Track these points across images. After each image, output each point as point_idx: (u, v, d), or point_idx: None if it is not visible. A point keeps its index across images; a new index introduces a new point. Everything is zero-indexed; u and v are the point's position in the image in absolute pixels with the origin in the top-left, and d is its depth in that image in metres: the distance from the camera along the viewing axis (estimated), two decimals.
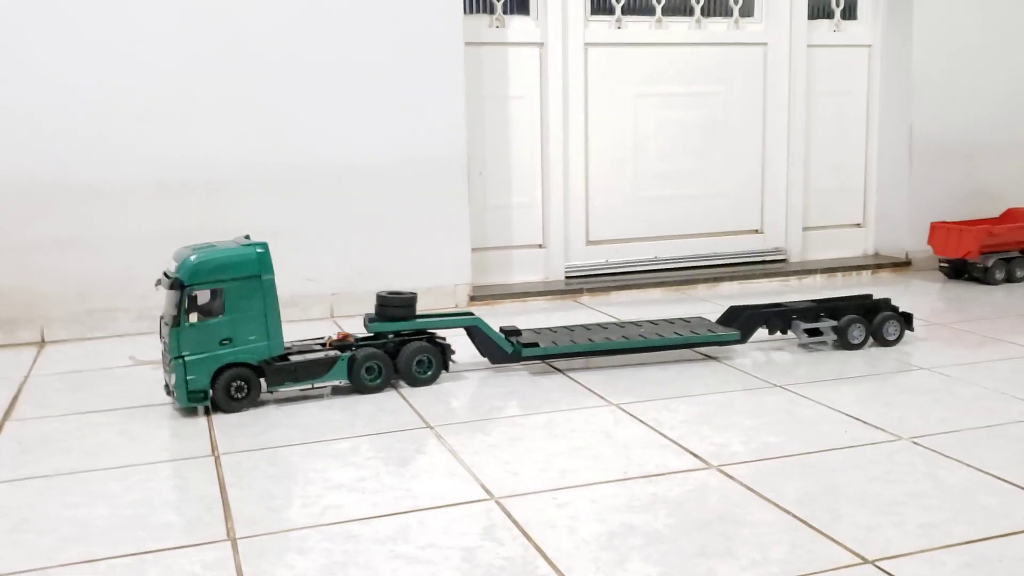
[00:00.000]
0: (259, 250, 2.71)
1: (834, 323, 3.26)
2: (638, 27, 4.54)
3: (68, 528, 1.93)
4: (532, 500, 2.03)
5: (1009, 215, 4.69)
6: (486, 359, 3.05)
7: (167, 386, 2.73)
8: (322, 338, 2.97)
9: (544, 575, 1.70)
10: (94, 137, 3.59)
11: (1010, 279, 4.41)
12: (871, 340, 3.29)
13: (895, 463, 2.19)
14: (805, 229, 4.94)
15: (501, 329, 3.08)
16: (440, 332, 3.00)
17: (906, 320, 3.31)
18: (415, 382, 2.91)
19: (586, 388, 2.85)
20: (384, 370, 2.86)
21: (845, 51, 4.88)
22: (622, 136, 4.55)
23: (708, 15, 4.64)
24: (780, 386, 2.85)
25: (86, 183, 3.60)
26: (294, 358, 2.79)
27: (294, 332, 2.82)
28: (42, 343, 3.60)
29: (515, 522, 1.92)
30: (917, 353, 3.21)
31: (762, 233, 4.87)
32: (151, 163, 3.67)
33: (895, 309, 3.33)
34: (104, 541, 1.87)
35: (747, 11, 4.71)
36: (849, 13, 4.89)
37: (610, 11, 4.48)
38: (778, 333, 3.32)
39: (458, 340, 3.01)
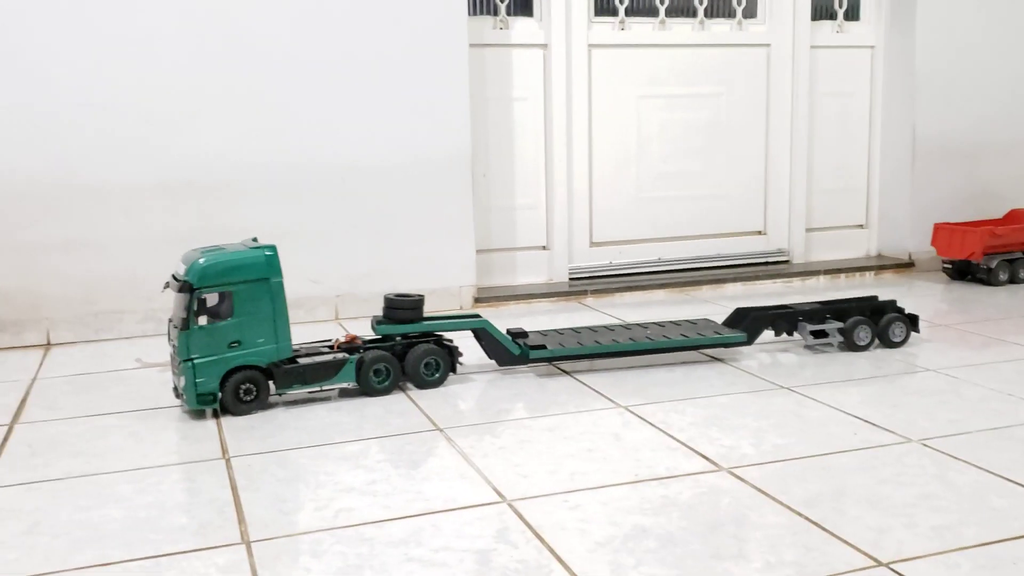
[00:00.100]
0: (268, 253, 2.72)
1: (840, 325, 3.27)
2: (642, 28, 4.54)
3: (81, 531, 1.94)
4: (544, 503, 2.03)
5: (1012, 216, 4.70)
6: (493, 361, 3.06)
7: (176, 388, 2.73)
8: (329, 340, 2.97)
9: None
10: (98, 138, 3.59)
11: (1013, 280, 4.42)
12: (877, 342, 3.30)
13: (905, 465, 2.20)
14: (808, 230, 4.95)
15: (507, 331, 3.08)
16: (447, 334, 3.00)
17: (912, 322, 3.32)
18: (423, 384, 2.92)
19: (593, 390, 2.86)
20: (392, 372, 2.87)
21: (848, 52, 4.89)
22: (625, 137, 4.56)
23: (711, 16, 4.65)
24: (787, 388, 2.85)
25: (90, 184, 3.61)
26: (302, 361, 2.79)
27: (300, 334, 2.83)
28: (48, 345, 3.60)
29: (528, 525, 1.92)
30: (923, 355, 3.21)
31: (765, 234, 4.88)
32: (155, 164, 3.67)
33: (901, 311, 3.34)
34: (118, 544, 1.87)
35: (750, 12, 4.72)
36: (852, 14, 4.90)
37: (614, 12, 4.49)
38: (784, 335, 3.33)
39: (464, 342, 3.02)
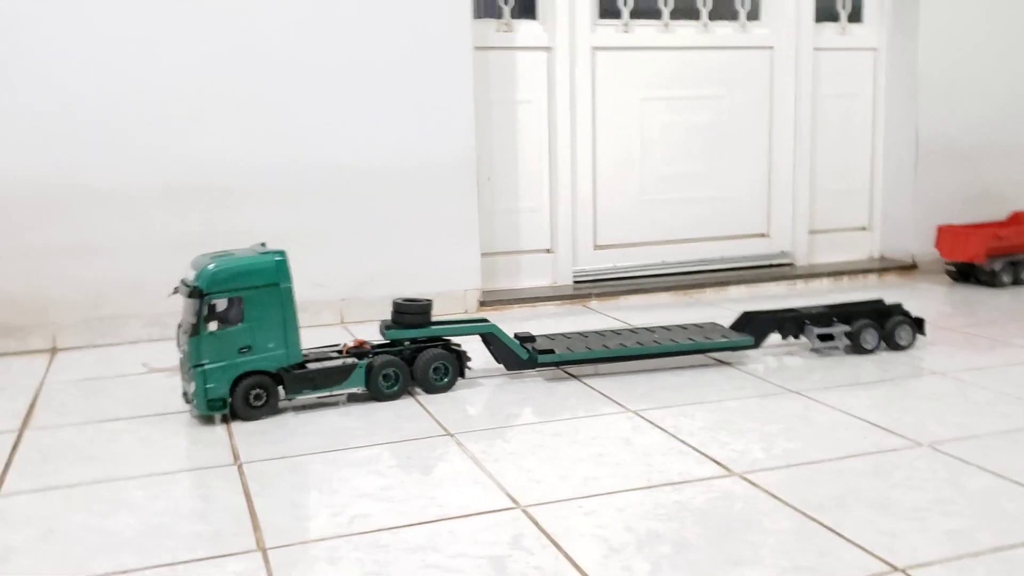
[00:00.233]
0: (277, 258, 2.72)
1: (847, 328, 3.28)
2: (645, 31, 4.55)
3: (96, 538, 1.94)
4: (558, 508, 2.03)
5: (1016, 218, 4.71)
6: (501, 366, 3.06)
7: (185, 394, 2.73)
8: (338, 345, 2.98)
9: None
10: (102, 141, 3.59)
11: (1017, 282, 4.44)
12: (883, 345, 3.30)
13: (916, 469, 2.20)
14: (811, 232, 4.96)
15: (515, 335, 3.09)
16: (455, 339, 3.01)
17: (918, 325, 3.33)
18: (432, 389, 2.92)
19: (602, 394, 2.86)
20: (401, 377, 2.87)
21: (851, 54, 4.90)
22: (629, 140, 4.57)
23: (715, 19, 4.66)
24: (795, 391, 2.86)
25: (95, 188, 3.61)
26: (312, 366, 2.79)
27: (305, 338, 2.82)
28: (54, 350, 3.60)
29: (543, 531, 1.93)
30: (929, 358, 3.22)
31: (768, 237, 4.89)
32: (159, 167, 3.67)
33: (907, 314, 3.34)
34: (134, 551, 1.87)
35: (754, 15, 4.72)
36: (855, 16, 4.91)
37: (617, 15, 4.49)
38: (790, 338, 3.33)
39: (471, 346, 3.02)
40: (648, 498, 2.08)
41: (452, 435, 2.54)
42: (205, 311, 2.62)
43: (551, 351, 3.01)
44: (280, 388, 2.75)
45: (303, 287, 3.72)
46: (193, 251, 2.92)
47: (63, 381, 3.17)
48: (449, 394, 2.91)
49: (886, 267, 4.90)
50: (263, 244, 2.86)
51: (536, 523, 1.96)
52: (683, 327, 3.31)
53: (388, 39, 3.89)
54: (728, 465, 2.26)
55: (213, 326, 2.64)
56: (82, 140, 3.57)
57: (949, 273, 4.65)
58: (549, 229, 4.46)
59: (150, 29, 3.60)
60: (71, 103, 3.55)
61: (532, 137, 4.39)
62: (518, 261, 4.43)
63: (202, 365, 2.63)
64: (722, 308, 4.11)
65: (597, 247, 4.56)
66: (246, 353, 2.68)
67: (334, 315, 3.98)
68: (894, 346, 3.30)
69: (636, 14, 4.53)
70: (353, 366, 2.82)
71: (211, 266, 2.64)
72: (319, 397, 2.85)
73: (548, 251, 4.49)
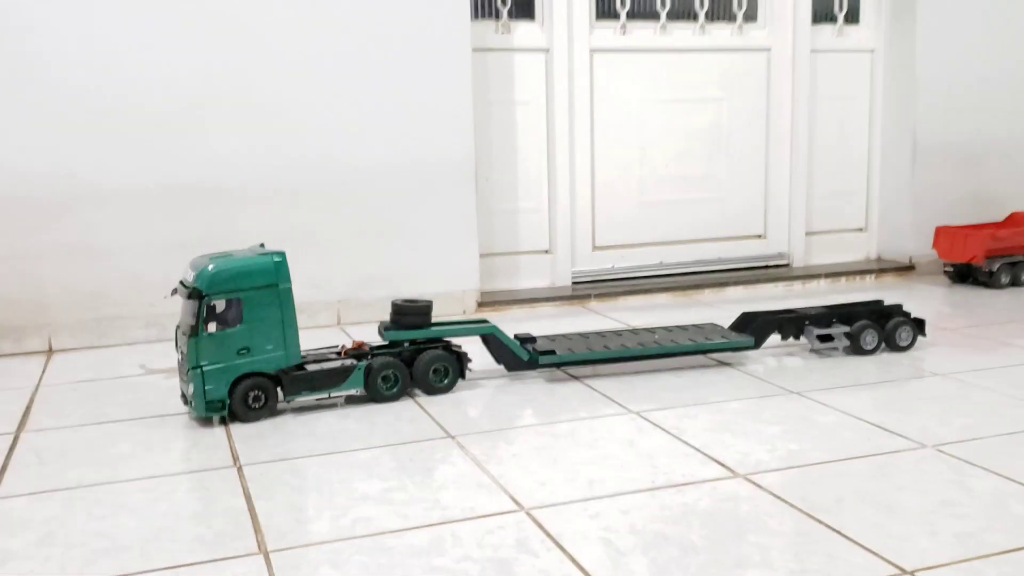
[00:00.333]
0: (276, 259, 2.70)
1: (846, 329, 3.27)
2: (643, 33, 4.54)
3: (97, 541, 1.91)
4: (563, 511, 2.02)
5: (1013, 219, 4.71)
6: (501, 366, 3.05)
7: (184, 395, 2.71)
8: (336, 346, 2.96)
9: None
10: (101, 142, 3.57)
11: (1015, 283, 4.44)
12: (883, 346, 3.30)
13: (922, 471, 2.19)
14: (808, 234, 4.96)
15: (515, 336, 3.07)
16: (455, 340, 2.99)
17: (918, 326, 3.32)
18: (431, 391, 2.90)
19: (604, 396, 2.85)
20: (400, 379, 2.85)
21: (848, 56, 4.90)
22: (627, 141, 4.55)
23: (712, 20, 4.65)
24: (797, 392, 2.85)
25: (94, 188, 3.58)
26: (310, 367, 2.77)
27: (303, 340, 2.80)
28: (50, 351, 3.57)
29: (548, 534, 1.91)
30: (929, 359, 3.22)
31: (765, 238, 4.88)
32: (158, 168, 3.65)
33: (907, 315, 3.34)
34: (136, 554, 1.85)
35: (751, 16, 4.72)
36: (852, 18, 4.90)
37: (615, 17, 4.48)
38: (791, 339, 3.33)
39: (471, 347, 3.00)
40: (653, 500, 2.06)
41: (453, 437, 2.52)
42: (204, 312, 2.60)
43: (552, 352, 3.00)
44: (279, 390, 2.73)
45: (300, 288, 3.68)
46: (191, 252, 2.90)
47: (60, 383, 3.14)
48: (449, 395, 2.89)
49: (883, 268, 4.90)
50: (262, 245, 2.84)
51: (541, 526, 1.95)
52: (683, 328, 3.30)
53: (387, 41, 3.87)
54: (732, 467, 2.25)
55: (212, 327, 2.62)
56: (81, 140, 3.55)
57: (947, 274, 4.65)
58: (548, 230, 4.45)
59: (150, 30, 3.58)
60: (70, 104, 3.52)
61: (530, 138, 4.37)
62: (517, 262, 4.41)
63: (201, 367, 2.60)
64: (720, 309, 4.10)
65: (596, 248, 4.55)
66: (245, 355, 2.66)
67: (331, 316, 3.95)
68: (894, 347, 3.29)
69: (633, 16, 4.52)
70: (352, 367, 2.80)
71: (210, 267, 2.62)
72: (317, 399, 2.82)
73: (547, 252, 4.47)
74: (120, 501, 2.12)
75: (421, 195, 3.99)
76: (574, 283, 4.47)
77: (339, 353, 2.90)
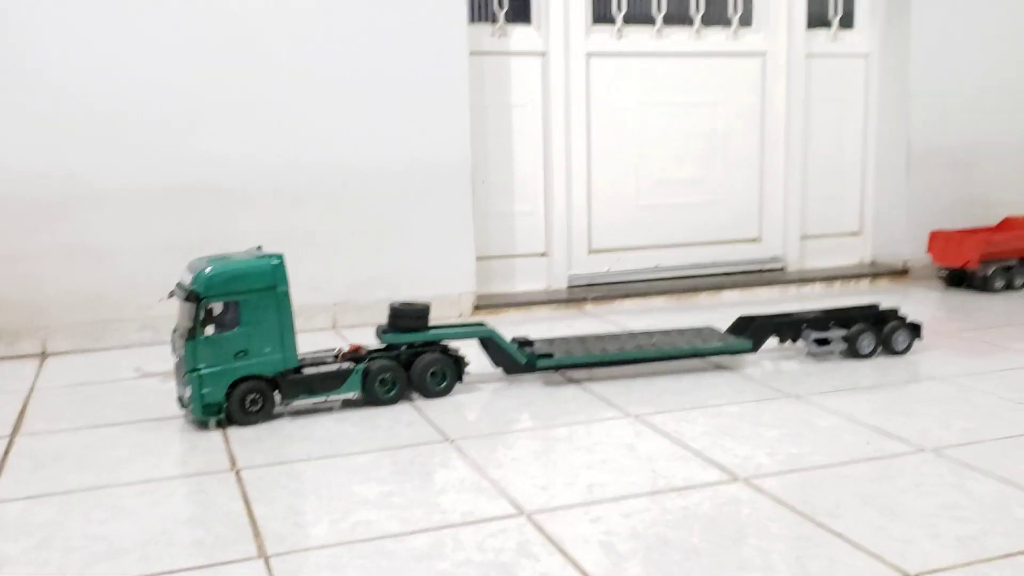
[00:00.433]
0: (274, 262, 2.69)
1: (844, 332, 3.27)
2: (639, 37, 4.54)
3: (95, 545, 1.90)
4: (564, 515, 2.01)
5: (1007, 223, 4.72)
6: (499, 370, 3.04)
7: (181, 399, 2.69)
8: (333, 350, 2.94)
9: None
10: (100, 142, 3.55)
11: (1010, 287, 4.45)
12: (880, 349, 3.30)
13: (923, 474, 2.19)
14: (803, 238, 4.96)
15: (513, 339, 3.06)
16: (453, 343, 2.98)
17: (915, 330, 3.33)
18: (429, 394, 2.89)
19: (602, 399, 2.84)
20: (398, 382, 2.84)
21: (843, 60, 4.91)
22: (623, 145, 4.55)
23: (708, 25, 4.66)
24: (795, 396, 2.85)
25: (91, 189, 3.56)
26: (308, 370, 2.76)
27: (299, 343, 2.78)
28: (44, 354, 3.55)
29: (549, 538, 1.90)
30: (926, 362, 3.22)
31: (761, 242, 4.89)
32: (157, 169, 3.63)
33: (904, 319, 3.34)
34: (135, 559, 1.83)
35: (746, 21, 4.73)
36: (846, 22, 4.92)
37: (611, 21, 4.48)
38: (788, 342, 3.33)
39: (468, 350, 2.99)
40: (654, 504, 2.06)
41: (452, 441, 2.51)
42: (202, 315, 2.58)
43: (550, 355, 2.99)
44: (276, 393, 2.71)
45: (297, 290, 3.66)
46: (187, 254, 2.88)
47: (55, 386, 3.12)
48: (447, 399, 2.88)
49: (878, 272, 4.91)
50: (259, 247, 2.82)
51: (542, 530, 1.94)
52: (681, 331, 3.30)
53: (385, 44, 3.86)
54: (733, 470, 2.24)
55: (209, 330, 2.61)
56: (79, 141, 3.53)
57: (941, 278, 4.66)
58: (544, 233, 4.45)
59: (149, 30, 3.56)
60: (69, 103, 3.50)
61: (527, 141, 4.37)
62: (512, 265, 4.41)
63: (198, 370, 2.59)
64: (717, 312, 4.10)
65: (592, 251, 4.55)
66: (242, 358, 2.64)
67: (327, 319, 3.94)
68: (891, 351, 3.30)
69: (629, 20, 4.52)
70: (349, 371, 2.79)
71: (208, 269, 2.61)
72: (315, 402, 2.81)
73: (543, 255, 4.47)
74: (118, 505, 2.11)
75: (418, 198, 3.98)
76: (570, 286, 4.47)
77: (336, 356, 2.88)
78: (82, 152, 3.53)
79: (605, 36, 4.47)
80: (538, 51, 4.34)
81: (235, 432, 2.60)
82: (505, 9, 4.28)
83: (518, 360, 2.99)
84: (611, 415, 2.69)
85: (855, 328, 3.27)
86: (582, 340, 3.18)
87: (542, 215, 4.44)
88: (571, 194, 4.44)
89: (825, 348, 3.27)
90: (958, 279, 4.56)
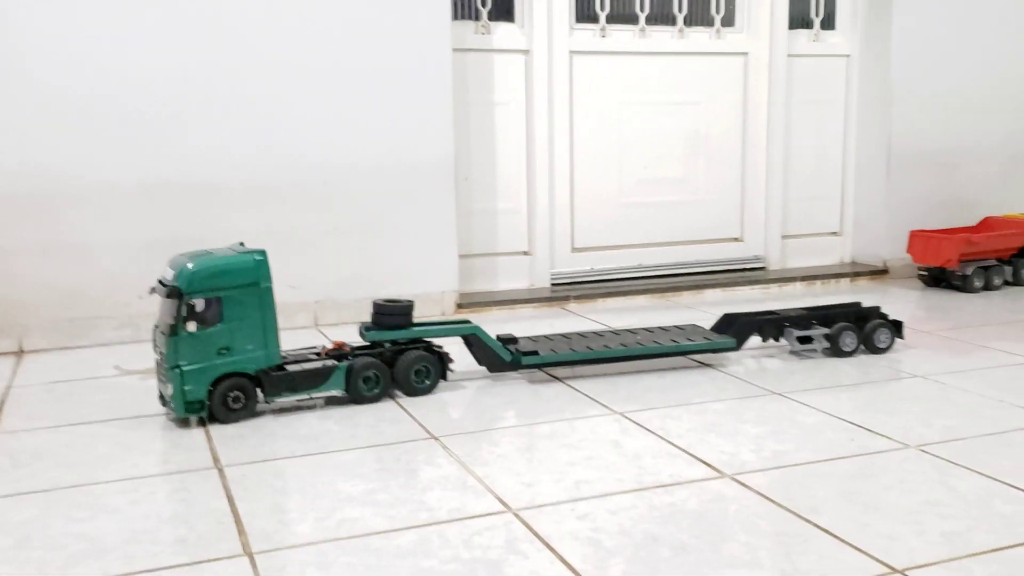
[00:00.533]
0: (257, 257, 2.66)
1: (826, 331, 3.29)
2: (622, 36, 4.55)
3: (77, 544, 1.87)
4: (551, 512, 2.00)
5: (986, 224, 4.77)
6: (483, 368, 3.03)
7: (162, 396, 2.67)
8: (316, 347, 2.92)
9: None
10: (79, 138, 3.51)
11: (988, 287, 4.49)
12: (862, 348, 3.32)
13: (906, 471, 2.20)
14: (784, 237, 4.98)
15: (498, 337, 3.05)
16: (437, 340, 2.96)
17: (896, 328, 3.35)
18: (413, 392, 2.88)
19: (588, 397, 2.84)
20: (382, 380, 2.82)
21: (824, 61, 4.94)
22: (607, 143, 4.56)
23: (691, 24, 4.67)
24: (779, 393, 2.86)
25: (70, 186, 3.52)
26: (291, 368, 2.74)
27: (281, 341, 2.77)
28: (20, 352, 3.50)
29: (537, 534, 1.89)
30: (908, 361, 3.24)
31: (742, 241, 4.91)
32: (135, 166, 3.59)
33: (885, 317, 3.36)
34: (117, 557, 1.81)
35: (729, 21, 4.74)
36: (828, 23, 4.94)
37: (595, 20, 4.49)
38: (771, 340, 3.34)
39: (452, 348, 2.98)
40: (641, 500, 2.05)
41: (437, 438, 2.50)
42: (184, 311, 2.55)
43: (535, 352, 2.98)
44: (259, 390, 2.69)
45: (278, 288, 3.63)
46: (167, 251, 2.86)
47: (32, 384, 3.08)
48: (431, 396, 2.87)
49: (858, 272, 4.94)
50: (241, 244, 2.80)
51: (529, 527, 1.93)
52: (665, 329, 3.30)
53: (368, 40, 3.84)
54: (719, 467, 2.24)
55: (191, 327, 2.58)
56: (57, 136, 3.48)
57: (921, 278, 4.69)
58: (527, 231, 4.44)
59: (130, 25, 3.52)
60: (47, 99, 3.46)
61: (510, 139, 4.36)
62: (495, 263, 4.40)
63: (180, 367, 2.56)
64: (699, 311, 4.11)
65: (575, 249, 4.55)
66: (225, 354, 2.62)
67: (308, 318, 3.92)
68: (873, 349, 3.31)
69: (613, 19, 4.52)
70: (333, 368, 2.77)
71: (190, 265, 2.58)
72: (298, 400, 2.79)
73: (526, 253, 4.46)
74: (99, 503, 2.08)
75: (400, 195, 3.96)
76: (553, 284, 4.46)
77: (320, 353, 2.86)
78: (61, 148, 3.49)
79: (588, 35, 4.47)
80: (521, 49, 4.34)
81: (217, 430, 2.58)
82: (488, 7, 4.27)
83: (503, 358, 2.98)
84: (596, 412, 2.69)
85: (837, 326, 3.28)
86: (567, 338, 3.18)
87: (525, 213, 4.43)
88: (554, 192, 4.44)
89: (808, 346, 3.28)
90: (937, 279, 4.60)
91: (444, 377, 2.94)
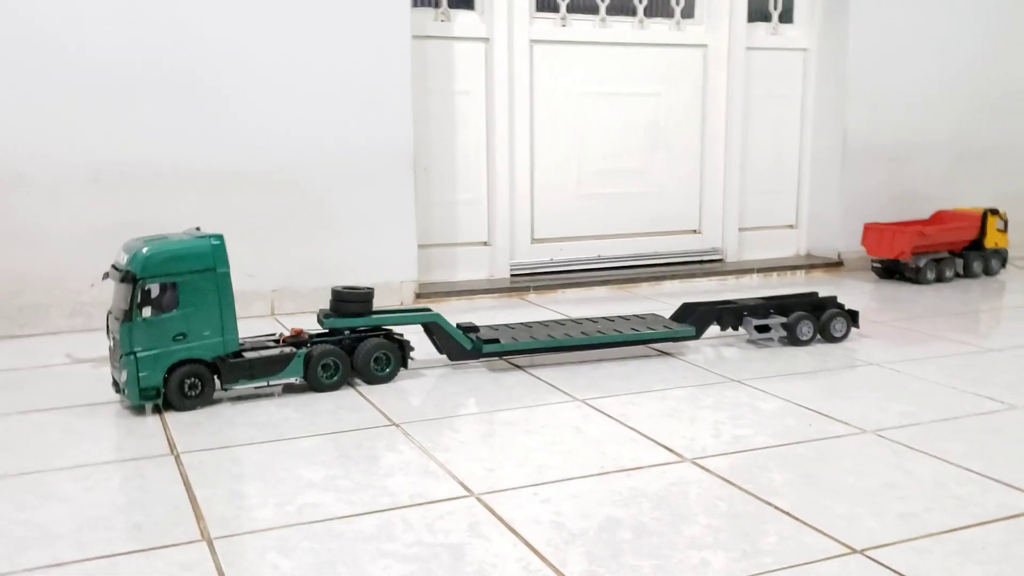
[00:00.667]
0: (214, 242, 2.62)
1: (783, 320, 3.32)
2: (582, 25, 4.55)
3: (26, 531, 1.82)
4: (513, 496, 1.99)
5: (939, 217, 4.85)
6: (444, 356, 3.01)
7: (116, 383, 2.61)
8: (274, 334, 2.89)
9: (538, 570, 1.67)
10: (23, 122, 3.42)
11: (940, 279, 4.57)
12: (818, 337, 3.35)
13: (864, 455, 2.23)
14: (741, 230, 5.02)
15: (458, 326, 3.04)
16: (397, 328, 2.94)
17: (852, 318, 3.39)
18: (373, 380, 2.85)
19: (548, 384, 2.83)
20: (341, 367, 2.79)
21: (782, 54, 4.98)
22: (567, 134, 4.55)
23: (651, 16, 4.68)
24: (738, 380, 2.87)
25: (16, 171, 3.43)
26: (248, 355, 2.70)
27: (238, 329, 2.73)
28: None
29: (500, 518, 1.88)
30: (863, 350, 3.28)
31: (700, 233, 4.94)
32: (85, 153, 3.51)
33: (841, 307, 3.40)
34: (69, 544, 1.76)
35: (688, 13, 4.76)
36: (786, 17, 4.99)
37: (555, 9, 4.48)
38: (729, 329, 3.36)
39: (413, 336, 2.96)
40: (603, 484, 2.05)
41: (398, 425, 2.47)
42: (138, 296, 2.50)
43: (496, 340, 2.97)
44: (216, 377, 2.65)
45: (234, 277, 3.59)
46: (118, 238, 2.79)
47: None
48: (391, 384, 2.85)
49: (813, 264, 5.00)
50: (198, 228, 2.75)
51: (492, 511, 1.92)
52: (625, 318, 3.31)
53: (325, 25, 3.79)
54: (679, 451, 2.25)
55: (146, 312, 2.53)
56: (3, 121, 3.39)
57: (875, 270, 4.76)
58: (487, 222, 4.42)
59: (81, 9, 3.43)
60: None
61: (470, 128, 4.34)
62: (455, 253, 4.38)
63: (134, 353, 2.51)
64: (657, 302, 4.12)
65: (534, 240, 4.54)
66: (181, 341, 2.57)
67: (265, 306, 3.86)
68: (829, 338, 3.35)
69: (573, 9, 4.52)
70: (291, 355, 2.73)
71: (145, 250, 2.53)
72: (255, 387, 2.74)
73: (485, 244, 4.44)
74: (50, 491, 2.03)
75: (359, 184, 3.92)
76: (512, 275, 4.45)
77: (278, 341, 2.82)
78: (5, 133, 3.39)
79: (549, 24, 4.47)
80: (482, 37, 4.31)
81: (173, 417, 2.53)
82: None
83: (464, 346, 2.97)
84: (558, 399, 2.68)
85: (794, 315, 3.32)
86: (528, 326, 3.17)
87: (485, 204, 4.41)
88: (514, 183, 4.42)
89: (765, 335, 3.31)
90: (890, 271, 4.67)
91: (405, 365, 2.91)
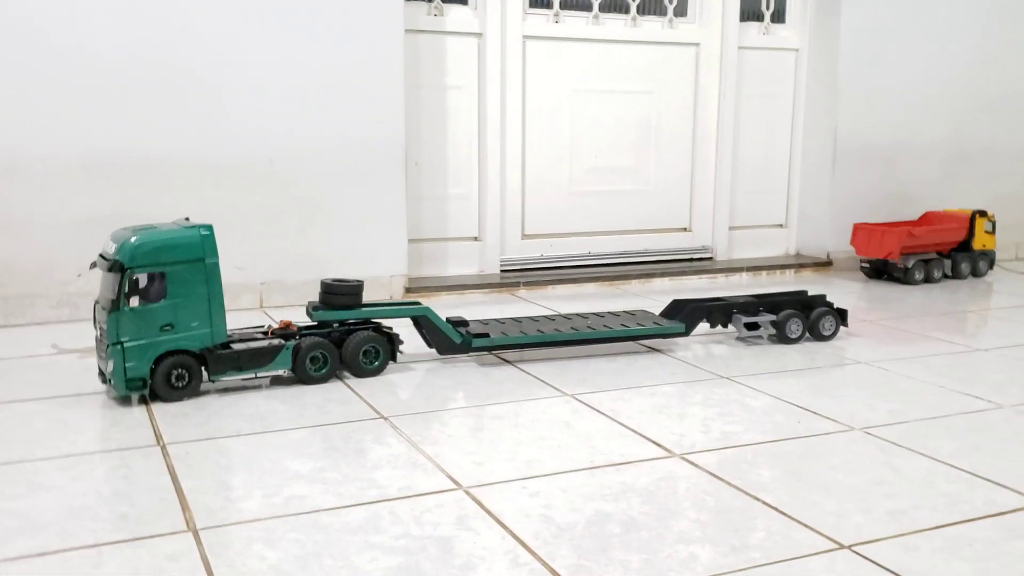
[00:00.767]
0: (203, 232, 2.60)
1: (773, 317, 3.32)
2: (575, 22, 4.54)
3: (11, 520, 1.81)
4: (502, 489, 1.99)
5: (928, 218, 4.87)
6: (433, 350, 3.00)
7: (102, 373, 2.59)
8: (263, 326, 2.87)
9: (526, 563, 1.67)
10: (12, 111, 3.39)
11: (928, 280, 4.58)
12: (807, 335, 3.36)
13: (852, 452, 2.23)
14: (731, 228, 5.03)
15: (447, 320, 3.03)
16: (386, 321, 2.93)
17: (841, 316, 3.40)
18: (362, 373, 2.84)
19: (538, 379, 2.83)
20: (330, 360, 2.78)
21: (774, 54, 4.99)
22: (559, 130, 4.55)
23: (644, 13, 4.68)
24: (727, 377, 2.88)
25: (4, 161, 3.40)
26: (236, 346, 2.68)
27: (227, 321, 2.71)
28: None
29: (488, 512, 1.88)
30: (852, 348, 3.29)
31: (690, 231, 4.94)
32: (75, 143, 3.49)
33: (831, 305, 3.41)
34: (55, 533, 1.75)
35: (681, 11, 4.76)
36: (778, 17, 5.00)
37: (548, 5, 4.47)
38: (719, 326, 3.36)
39: (402, 330, 2.95)
40: (592, 479, 2.05)
41: (386, 418, 2.47)
42: (126, 286, 2.48)
43: (486, 335, 2.96)
44: (203, 369, 2.63)
45: (224, 269, 3.57)
46: (106, 228, 2.78)
47: None
48: (380, 378, 2.84)
49: (802, 263, 5.01)
50: (187, 219, 2.73)
51: (480, 504, 1.91)
52: (615, 314, 3.31)
53: (318, 18, 3.77)
54: (669, 447, 2.25)
55: (134, 302, 2.51)
56: None
57: (863, 270, 4.77)
58: (477, 217, 4.42)
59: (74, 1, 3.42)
60: None
61: (462, 124, 4.33)
62: (445, 248, 4.37)
63: (121, 343, 2.49)
64: (647, 299, 4.12)
65: (525, 236, 4.53)
66: (168, 331, 2.56)
67: (254, 299, 3.85)
68: (818, 336, 3.36)
69: (566, 5, 4.52)
70: (280, 347, 2.72)
71: (133, 239, 2.51)
72: (243, 379, 2.73)
73: (476, 239, 4.44)
74: (35, 480, 2.01)
75: (349, 177, 3.91)
76: (503, 271, 4.45)
77: (266, 333, 2.81)
78: None
79: (542, 20, 4.46)
80: (474, 32, 4.31)
81: (160, 408, 2.52)
82: None
83: (453, 340, 2.96)
84: (547, 394, 2.68)
85: (784, 313, 3.32)
86: (518, 321, 3.16)
87: (476, 199, 4.40)
88: (505, 178, 4.42)
89: (754, 332, 3.32)
90: (879, 271, 4.68)
91: (394, 359, 2.90)
